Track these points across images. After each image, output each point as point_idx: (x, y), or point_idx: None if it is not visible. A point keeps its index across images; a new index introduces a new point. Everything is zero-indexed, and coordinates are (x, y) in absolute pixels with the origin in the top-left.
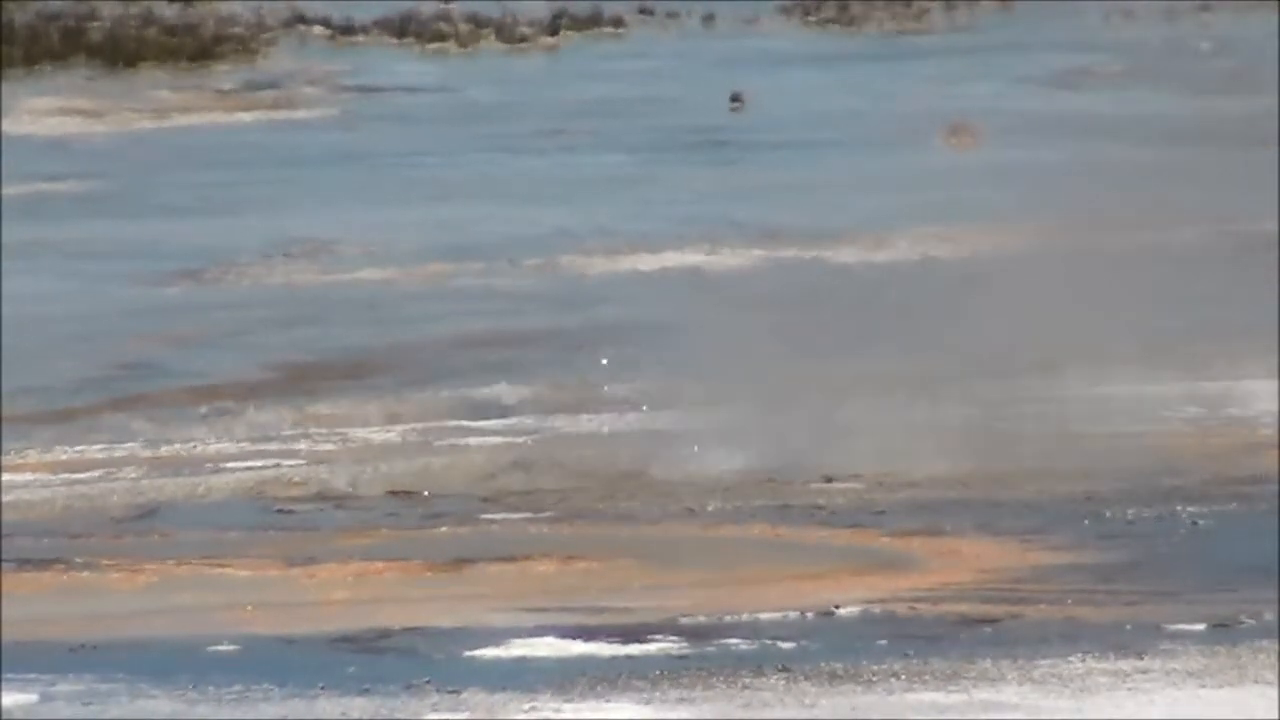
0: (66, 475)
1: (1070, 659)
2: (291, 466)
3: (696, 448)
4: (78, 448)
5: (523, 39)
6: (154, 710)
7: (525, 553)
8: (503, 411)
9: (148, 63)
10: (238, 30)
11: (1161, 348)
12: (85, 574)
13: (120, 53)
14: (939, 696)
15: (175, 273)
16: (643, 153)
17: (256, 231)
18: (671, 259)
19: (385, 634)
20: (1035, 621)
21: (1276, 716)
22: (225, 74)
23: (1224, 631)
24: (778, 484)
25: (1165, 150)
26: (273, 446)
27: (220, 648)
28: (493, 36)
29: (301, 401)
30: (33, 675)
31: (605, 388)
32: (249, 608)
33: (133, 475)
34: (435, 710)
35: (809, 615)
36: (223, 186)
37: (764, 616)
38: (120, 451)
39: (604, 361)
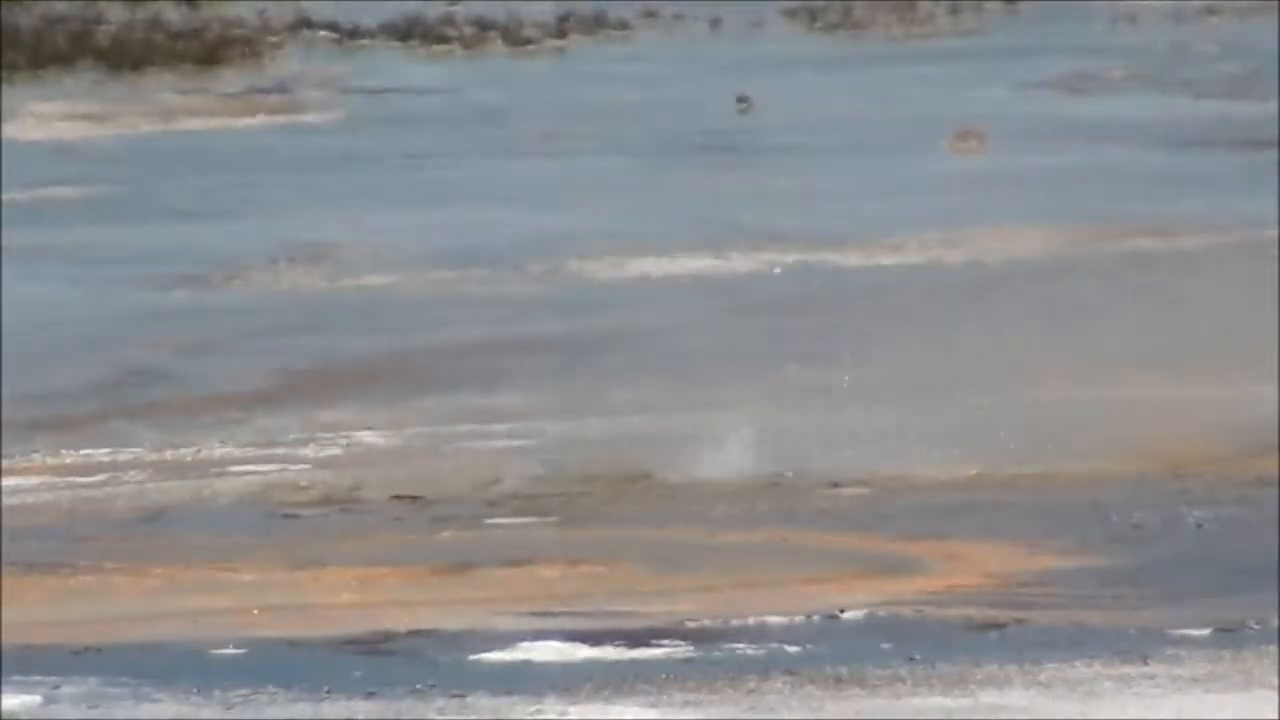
0: (71, 479)
1: (1076, 663)
2: (297, 471)
3: (701, 451)
4: (83, 451)
5: (528, 41)
6: (159, 713)
7: (530, 556)
8: (509, 416)
9: (153, 66)
10: (243, 34)
11: (1166, 351)
12: (90, 578)
13: (126, 56)
14: (945, 701)
15: (180, 278)
16: (649, 156)
17: (262, 236)
18: (678, 263)
19: (391, 638)
20: (1041, 626)
21: None
22: (231, 77)
23: (1229, 636)
24: (783, 488)
25: (1172, 154)
26: (278, 451)
27: (225, 651)
28: (498, 39)
29: (307, 406)
30: (37, 678)
31: (611, 392)
32: (254, 611)
33: (138, 479)
34: (441, 714)
35: (815, 619)
36: (228, 190)
37: (770, 620)
38: (125, 456)
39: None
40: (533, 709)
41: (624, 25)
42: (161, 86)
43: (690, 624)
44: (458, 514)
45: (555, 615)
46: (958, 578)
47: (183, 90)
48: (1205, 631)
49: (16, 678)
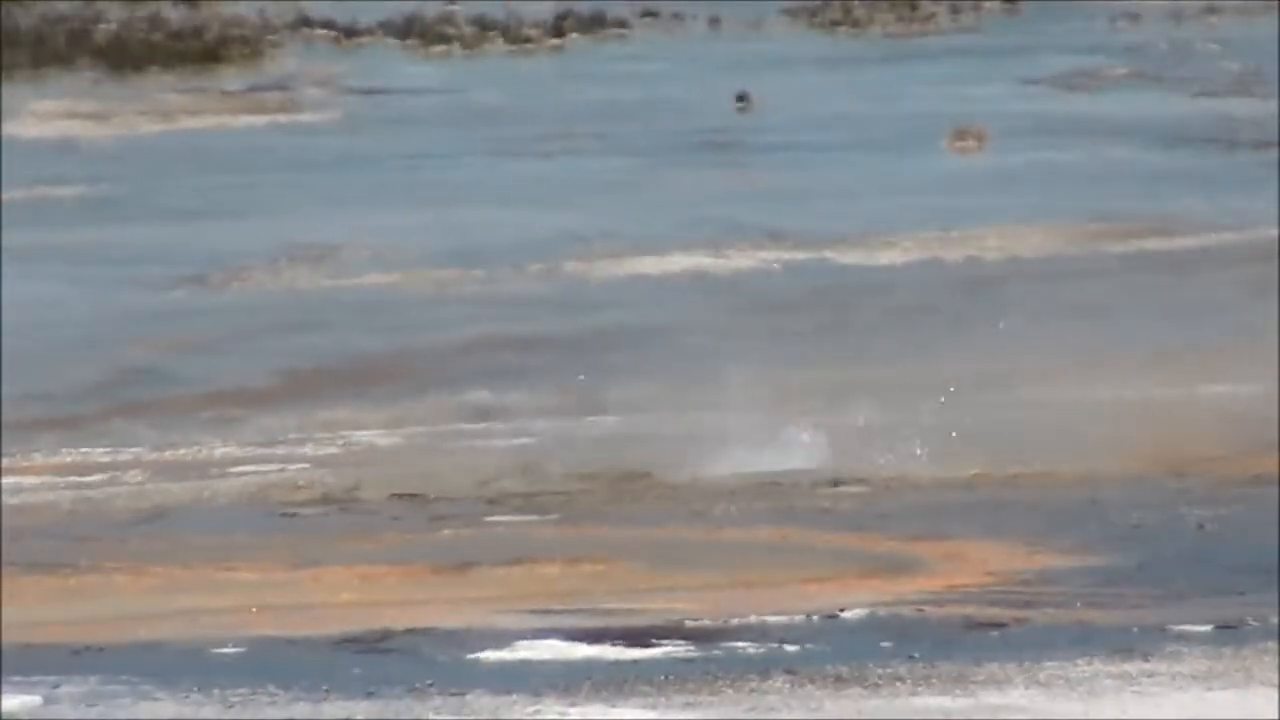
0: (72, 479)
1: (1077, 662)
2: (296, 470)
3: (701, 451)
4: (83, 451)
5: (527, 41)
6: (158, 713)
7: (530, 555)
8: (508, 415)
9: (153, 66)
10: (243, 33)
11: (1166, 351)
12: (91, 577)
13: (126, 56)
14: (945, 700)
15: (180, 277)
16: (648, 155)
17: (261, 235)
18: (677, 262)
19: (390, 636)
20: (1042, 625)
21: None
22: (231, 77)
23: (1229, 634)
24: (783, 487)
25: (1172, 153)
26: (278, 450)
27: (225, 650)
28: (497, 39)
29: (306, 406)
30: (36, 678)
31: (611, 391)
32: (254, 610)
33: (138, 479)
34: (439, 713)
35: (815, 618)
36: (228, 190)
37: (770, 619)
38: (126, 455)
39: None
40: (532, 708)
41: (623, 25)
42: (161, 86)
43: (690, 623)
44: (457, 512)
45: (555, 614)
46: (958, 577)
47: (182, 89)
48: (1206, 629)
49: (16, 678)
